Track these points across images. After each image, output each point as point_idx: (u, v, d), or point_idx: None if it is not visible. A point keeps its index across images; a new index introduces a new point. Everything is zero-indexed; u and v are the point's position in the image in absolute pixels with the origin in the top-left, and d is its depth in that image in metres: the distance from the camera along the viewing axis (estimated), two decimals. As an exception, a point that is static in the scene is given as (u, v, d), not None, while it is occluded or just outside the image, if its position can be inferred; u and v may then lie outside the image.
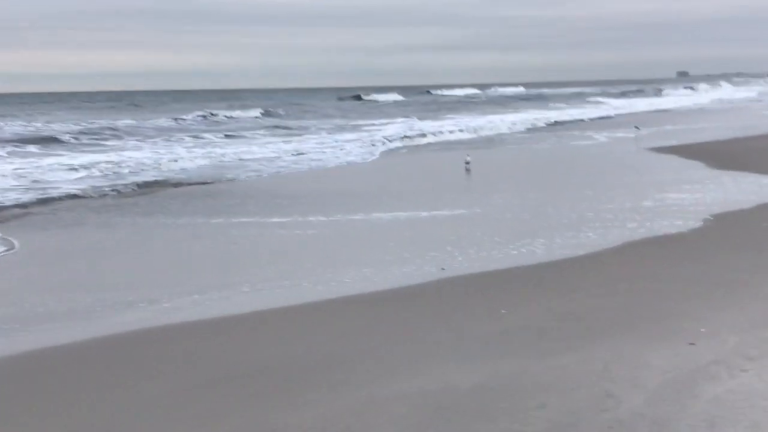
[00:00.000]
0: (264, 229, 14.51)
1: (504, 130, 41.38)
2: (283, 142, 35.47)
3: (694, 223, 13.52)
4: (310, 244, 13.18)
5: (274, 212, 16.16)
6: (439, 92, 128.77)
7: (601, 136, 34.74)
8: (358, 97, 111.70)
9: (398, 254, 11.95)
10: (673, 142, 29.31)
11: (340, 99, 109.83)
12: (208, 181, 22.04)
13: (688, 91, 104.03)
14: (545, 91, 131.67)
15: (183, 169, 24.78)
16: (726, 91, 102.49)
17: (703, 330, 7.75)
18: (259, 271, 11.11)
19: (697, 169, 20.81)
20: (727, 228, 13.12)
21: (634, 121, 42.35)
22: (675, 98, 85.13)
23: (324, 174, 23.92)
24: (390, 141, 34.46)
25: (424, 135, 37.65)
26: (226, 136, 39.91)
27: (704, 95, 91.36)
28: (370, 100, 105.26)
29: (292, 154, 29.55)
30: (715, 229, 13.05)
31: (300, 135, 40.19)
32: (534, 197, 17.29)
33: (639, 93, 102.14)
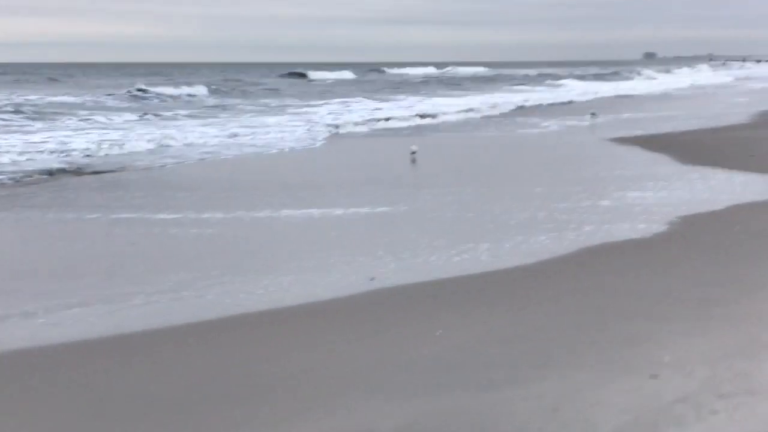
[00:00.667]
0: (158, 228, 13.69)
1: (458, 116, 40.74)
2: (216, 124, 34.62)
3: (659, 227, 13.06)
4: (216, 246, 12.45)
5: (176, 207, 15.35)
6: (393, 71, 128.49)
7: (560, 124, 34.43)
8: (302, 75, 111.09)
9: (321, 260, 11.30)
10: (638, 132, 29.02)
11: (282, 76, 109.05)
12: (116, 169, 21.17)
13: (664, 75, 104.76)
14: (505, 71, 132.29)
15: (91, 155, 23.83)
16: (704, 75, 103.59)
17: (667, 359, 7.22)
18: (156, 279, 10.38)
19: (662, 163, 20.42)
20: (696, 233, 12.68)
21: (600, 106, 42.27)
22: (651, 82, 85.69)
23: (252, 162, 23.19)
24: (335, 127, 33.77)
25: (376, 120, 36.98)
26: (144, 116, 38.92)
27: (684, 78, 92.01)
28: (316, 79, 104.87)
29: (227, 137, 28.80)
30: (683, 234, 12.60)
31: (234, 116, 39.45)
32: (482, 193, 16.79)
33: (614, 75, 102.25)
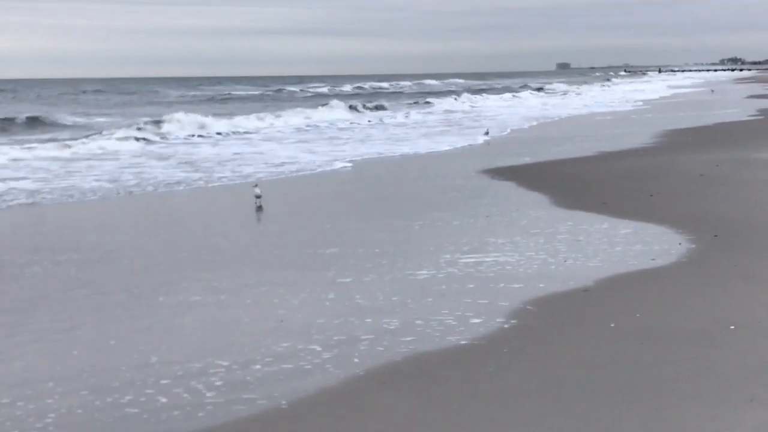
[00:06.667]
0: None
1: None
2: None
3: (501, 321, 9.40)
4: None
5: None
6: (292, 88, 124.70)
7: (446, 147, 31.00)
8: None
9: None
10: (525, 159, 25.53)
11: (132, 93, 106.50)
12: None
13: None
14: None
15: None
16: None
17: None
18: None
19: (535, 206, 16.67)
20: (554, 331, 9.01)
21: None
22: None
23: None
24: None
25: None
26: None
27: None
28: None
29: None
30: (535, 334, 8.96)
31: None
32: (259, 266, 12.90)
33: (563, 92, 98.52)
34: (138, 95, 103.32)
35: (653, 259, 11.98)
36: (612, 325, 9.13)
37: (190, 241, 14.50)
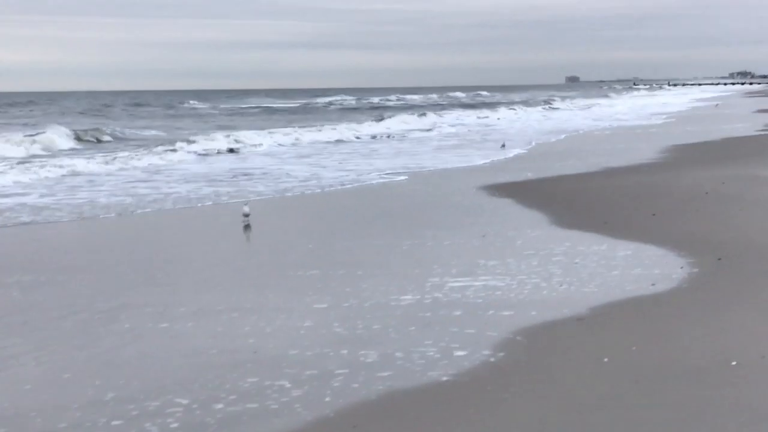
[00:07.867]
0: None
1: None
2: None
3: (488, 354, 8.74)
4: None
5: None
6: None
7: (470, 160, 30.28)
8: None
9: None
10: (527, 174, 24.89)
11: (169, 106, 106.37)
12: None
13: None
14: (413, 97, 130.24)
15: None
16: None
17: None
18: None
19: (532, 225, 15.96)
20: (543, 368, 8.34)
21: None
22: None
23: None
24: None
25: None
26: None
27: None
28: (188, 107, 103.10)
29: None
30: (522, 369, 8.30)
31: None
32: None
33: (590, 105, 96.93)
34: (164, 108, 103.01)
35: (653, 285, 11.28)
36: (605, 360, 8.44)
37: (164, 263, 13.84)
